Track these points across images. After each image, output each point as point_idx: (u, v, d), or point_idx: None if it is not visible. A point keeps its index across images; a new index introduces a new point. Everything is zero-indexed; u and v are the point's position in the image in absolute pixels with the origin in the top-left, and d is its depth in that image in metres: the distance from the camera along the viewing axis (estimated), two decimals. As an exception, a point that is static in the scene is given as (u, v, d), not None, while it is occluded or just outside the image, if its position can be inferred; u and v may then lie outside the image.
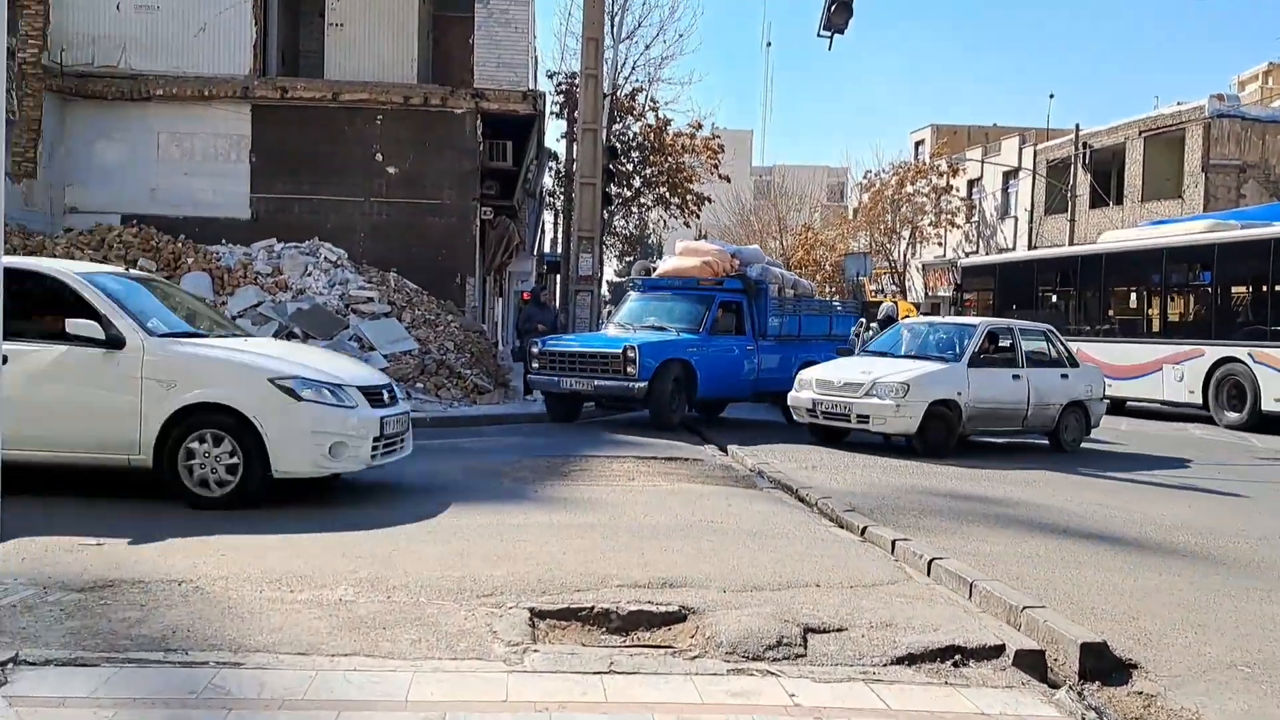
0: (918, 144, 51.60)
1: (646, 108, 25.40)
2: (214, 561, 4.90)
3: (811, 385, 11.47)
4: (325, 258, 15.95)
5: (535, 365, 13.16)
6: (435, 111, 18.24)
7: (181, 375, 6.47)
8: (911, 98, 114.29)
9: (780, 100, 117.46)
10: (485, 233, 19.70)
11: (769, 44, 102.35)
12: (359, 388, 6.96)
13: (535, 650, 3.85)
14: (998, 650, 4.08)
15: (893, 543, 6.10)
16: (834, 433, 11.60)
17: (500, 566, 5.01)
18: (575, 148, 24.18)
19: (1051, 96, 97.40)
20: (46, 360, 6.46)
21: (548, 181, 28.38)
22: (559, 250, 31.89)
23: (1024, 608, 4.53)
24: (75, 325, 6.35)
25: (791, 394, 11.80)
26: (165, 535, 5.42)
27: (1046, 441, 12.23)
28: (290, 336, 13.90)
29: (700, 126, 26.15)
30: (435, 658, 3.71)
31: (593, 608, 4.39)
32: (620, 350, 12.23)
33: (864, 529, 6.62)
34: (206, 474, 6.43)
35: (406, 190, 18.24)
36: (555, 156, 25.83)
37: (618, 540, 5.79)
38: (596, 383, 12.46)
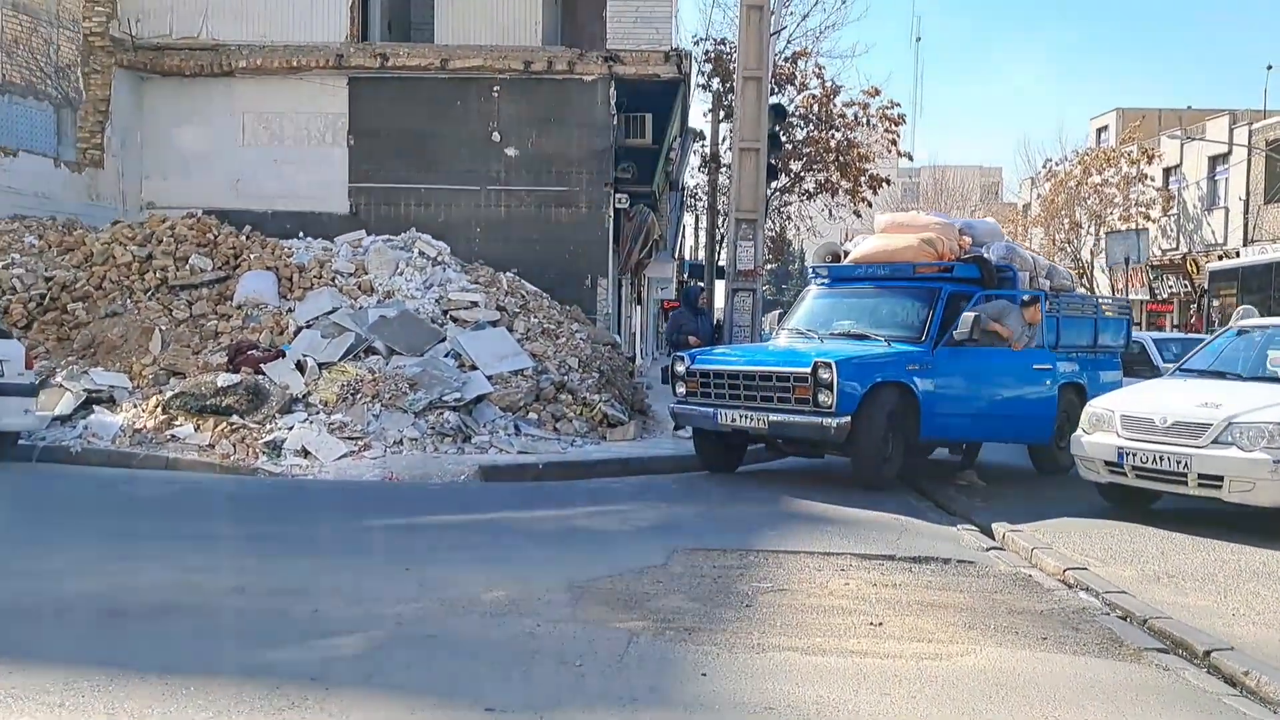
0: (1100, 130, 45.46)
1: (810, 74, 21.45)
2: None
3: (1114, 425, 7.44)
4: (421, 253, 12.86)
5: (682, 390, 9.44)
6: (561, 79, 15.09)
7: None
8: (1075, 90, 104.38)
9: (928, 98, 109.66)
10: (620, 224, 16.37)
11: (918, 39, 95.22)
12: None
13: None
14: None
15: None
16: (1136, 494, 7.59)
17: None
18: (721, 121, 20.67)
19: (1270, 68, 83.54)
20: None
21: (690, 180, 24.84)
22: (700, 256, 28.29)
23: None
24: None
25: (1079, 436, 7.79)
26: None
27: None
28: (370, 351, 10.84)
29: (877, 93, 21.84)
30: None
31: None
32: (809, 369, 8.37)
33: None
34: None
35: (528, 175, 15.17)
36: (701, 136, 22.21)
37: None
38: (772, 417, 8.58)
